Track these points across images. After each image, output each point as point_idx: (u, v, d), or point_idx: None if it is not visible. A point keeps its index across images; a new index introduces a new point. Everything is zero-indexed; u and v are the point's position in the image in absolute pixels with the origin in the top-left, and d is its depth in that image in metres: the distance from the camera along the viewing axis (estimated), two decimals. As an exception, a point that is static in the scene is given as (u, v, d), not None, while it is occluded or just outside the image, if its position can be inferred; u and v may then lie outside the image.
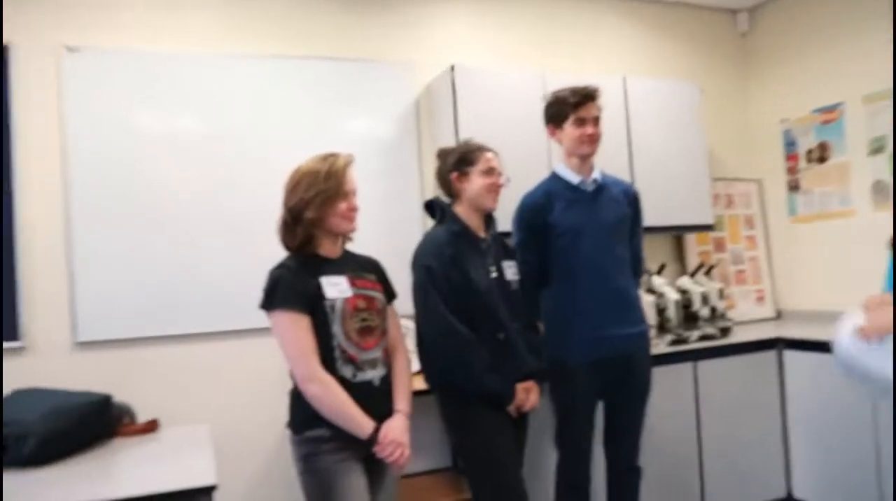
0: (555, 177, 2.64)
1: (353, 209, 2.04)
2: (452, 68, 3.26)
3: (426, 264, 2.28)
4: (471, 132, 2.81)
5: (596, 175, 2.62)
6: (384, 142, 3.41)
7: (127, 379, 2.84)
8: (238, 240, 3.12)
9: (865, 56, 3.75)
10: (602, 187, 2.63)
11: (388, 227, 3.26)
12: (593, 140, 2.53)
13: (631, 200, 2.69)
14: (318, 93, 3.35)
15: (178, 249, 3.04)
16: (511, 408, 2.32)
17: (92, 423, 2.25)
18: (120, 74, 3.00)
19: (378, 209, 3.23)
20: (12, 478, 1.86)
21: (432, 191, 3.28)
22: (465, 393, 2.26)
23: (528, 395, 2.36)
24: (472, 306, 2.27)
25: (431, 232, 2.42)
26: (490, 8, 3.80)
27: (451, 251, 2.29)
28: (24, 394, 2.23)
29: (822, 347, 3.12)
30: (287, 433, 2.02)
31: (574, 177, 2.60)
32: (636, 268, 2.71)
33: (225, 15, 3.26)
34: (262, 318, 2.76)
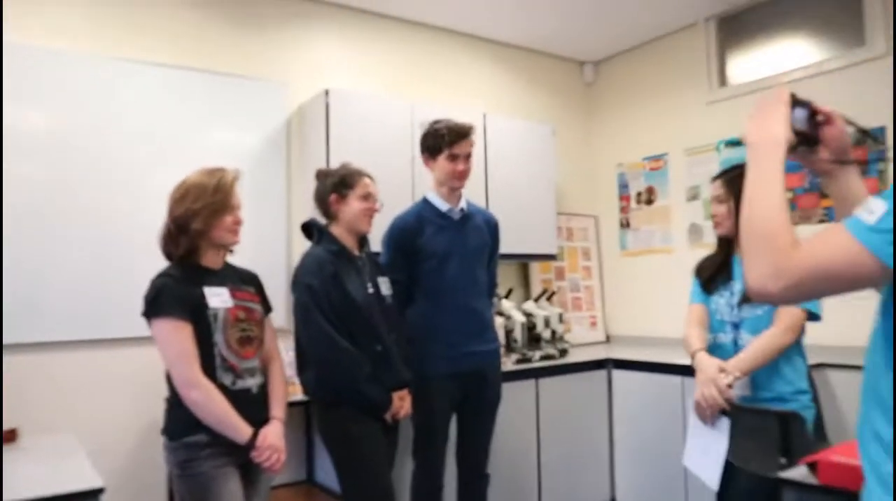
0: (425, 203, 2.81)
1: (238, 222, 2.12)
2: (327, 92, 3.39)
3: (308, 283, 2.36)
4: (341, 155, 2.93)
5: (463, 204, 2.82)
6: (253, 160, 3.46)
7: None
8: (100, 246, 3.08)
9: (687, 114, 4.36)
10: (468, 216, 2.83)
11: (253, 244, 3.23)
12: (463, 176, 2.73)
13: (492, 229, 2.92)
14: (188, 103, 3.37)
15: (34, 251, 2.95)
16: (387, 416, 2.46)
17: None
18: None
19: (244, 226, 3.26)
20: None
21: (299, 210, 3.53)
22: (345, 402, 2.37)
23: (403, 403, 2.51)
24: (351, 320, 2.37)
25: (311, 251, 2.50)
26: (362, 35, 3.99)
27: (331, 269, 2.39)
28: None
29: (645, 367, 3.71)
30: (161, 440, 2.07)
31: (443, 205, 2.78)
32: (490, 291, 2.95)
33: (98, 14, 3.22)
34: (124, 327, 2.80)
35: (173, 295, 1.96)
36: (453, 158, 2.68)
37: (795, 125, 1.12)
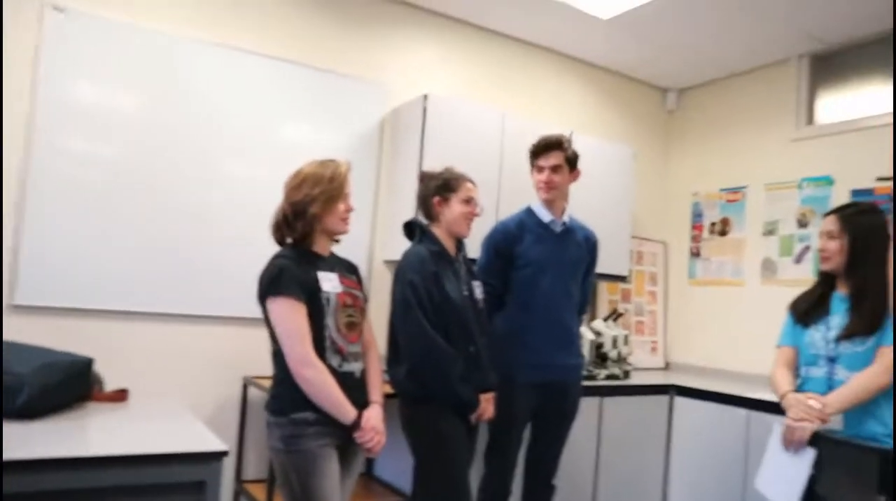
0: (529, 212, 2.88)
1: (349, 211, 2.20)
2: (426, 97, 3.49)
3: (410, 280, 2.42)
4: (434, 159, 3.01)
5: (565, 218, 2.89)
6: (343, 157, 3.48)
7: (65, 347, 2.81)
8: (198, 228, 3.22)
9: (770, 149, 4.39)
10: (569, 230, 2.89)
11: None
12: (548, 186, 2.81)
13: (591, 247, 2.98)
14: (285, 95, 3.46)
15: (136, 227, 3.09)
16: (473, 417, 2.52)
17: (76, 383, 2.29)
18: (99, 42, 3.02)
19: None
20: (8, 429, 1.89)
21: (386, 210, 3.65)
22: (436, 400, 2.43)
23: (488, 405, 2.57)
24: (448, 320, 2.43)
25: (413, 249, 2.57)
26: (459, 45, 4.10)
27: (432, 268, 2.45)
28: (6, 347, 2.21)
29: (706, 396, 3.74)
30: (265, 415, 2.17)
31: (546, 216, 2.86)
32: (581, 307, 3.00)
33: (206, 2, 3.34)
34: (210, 306, 3.05)
35: (293, 276, 2.02)
36: (539, 170, 2.79)
37: None
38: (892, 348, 2.21)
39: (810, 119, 4.31)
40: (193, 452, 1.83)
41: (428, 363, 2.37)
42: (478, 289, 2.61)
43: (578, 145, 3.79)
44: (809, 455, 2.22)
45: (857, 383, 2.23)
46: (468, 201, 2.57)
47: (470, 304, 2.54)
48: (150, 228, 3.11)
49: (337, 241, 2.29)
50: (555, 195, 2.82)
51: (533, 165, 2.81)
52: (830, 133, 4.11)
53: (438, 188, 2.57)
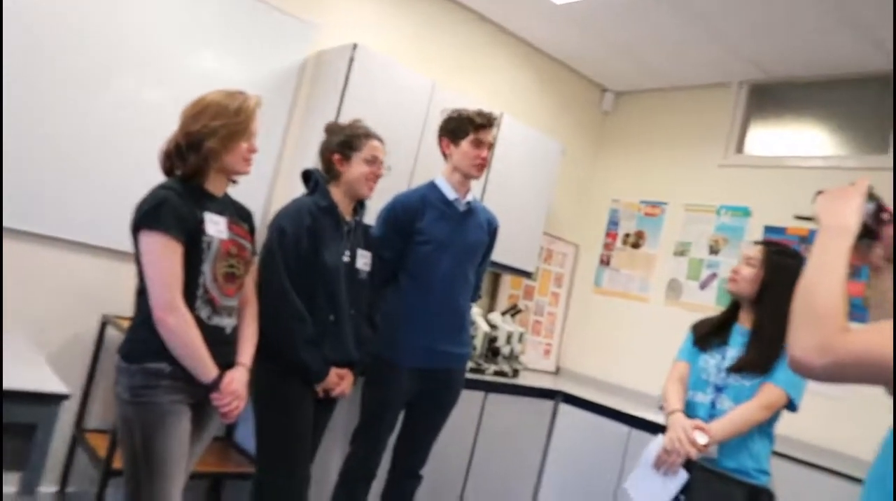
0: (432, 187, 2.81)
1: (253, 151, 2.09)
2: (355, 46, 3.36)
3: (281, 226, 2.35)
4: (352, 113, 2.90)
5: (470, 198, 2.85)
6: (260, 89, 3.27)
7: None
8: (78, 146, 3.01)
9: (696, 170, 4.49)
10: (472, 210, 2.85)
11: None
12: (483, 164, 2.75)
13: (492, 231, 2.96)
14: (198, 17, 3.27)
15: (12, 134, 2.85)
16: (319, 388, 2.44)
17: None
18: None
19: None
20: None
21: (291, 156, 3.52)
22: (279, 360, 2.35)
23: (342, 382, 2.49)
24: (313, 281, 2.36)
25: (299, 198, 2.49)
26: (395, 2, 3.97)
27: (309, 221, 2.36)
28: None
29: (591, 407, 3.81)
30: (115, 359, 2.03)
31: (451, 193, 2.79)
32: (474, 294, 2.97)
33: None
34: (77, 231, 2.87)
35: (174, 211, 1.92)
36: (478, 144, 2.71)
37: (863, 217, 1.23)
38: (773, 386, 2.31)
39: (740, 147, 4.43)
40: (26, 391, 1.69)
41: (275, 319, 2.29)
42: (362, 259, 2.55)
43: (508, 130, 3.91)
44: (681, 477, 2.27)
45: (739, 415, 2.30)
46: (372, 161, 2.51)
47: (346, 272, 2.47)
48: (27, 139, 2.89)
49: (234, 182, 2.18)
50: (482, 174, 2.80)
51: (465, 138, 2.73)
52: (756, 165, 4.24)
53: (340, 145, 2.50)
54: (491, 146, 2.76)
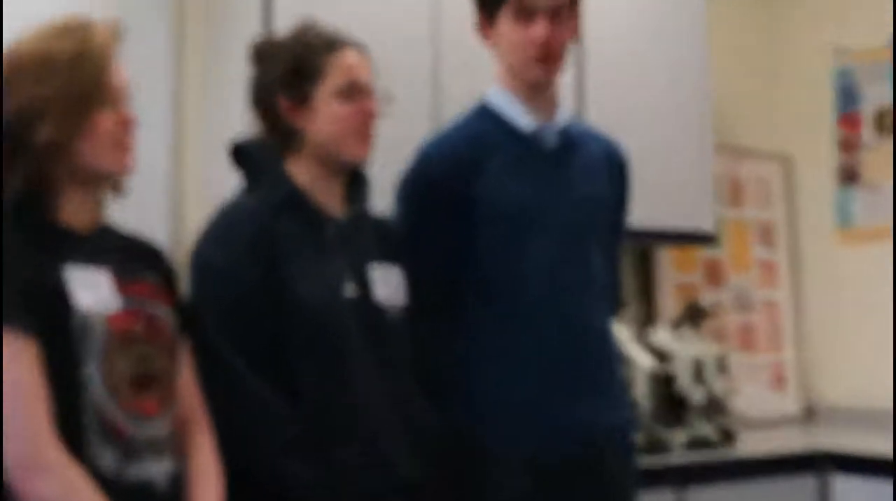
0: (486, 114, 1.99)
1: (126, 123, 1.50)
2: None
3: (210, 261, 1.72)
4: (293, 17, 2.01)
5: (562, 119, 1.99)
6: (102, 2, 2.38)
7: None
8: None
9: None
10: (572, 141, 2.00)
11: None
12: (550, 52, 1.86)
13: (616, 170, 2.09)
14: None
15: None
16: None
17: None
18: None
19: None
20: None
21: (196, 122, 2.71)
22: (249, 483, 1.70)
23: None
24: (295, 343, 1.71)
25: (236, 201, 1.80)
26: None
27: (253, 230, 1.71)
28: None
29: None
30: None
31: (522, 116, 1.94)
32: (614, 297, 2.18)
33: None
34: None
35: (10, 280, 1.42)
36: (527, 15, 1.86)
37: None
38: None
39: None
40: None
41: (230, 415, 1.67)
42: (383, 284, 1.80)
43: None
44: None
45: None
46: (352, 90, 1.72)
47: (356, 315, 1.74)
48: None
49: (115, 192, 1.58)
50: (558, 71, 1.95)
51: (506, 8, 1.86)
52: None
53: (286, 78, 1.74)
54: (557, 11, 1.86)
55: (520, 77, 1.89)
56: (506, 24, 1.82)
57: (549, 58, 1.84)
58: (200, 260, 1.71)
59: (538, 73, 1.85)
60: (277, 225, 1.69)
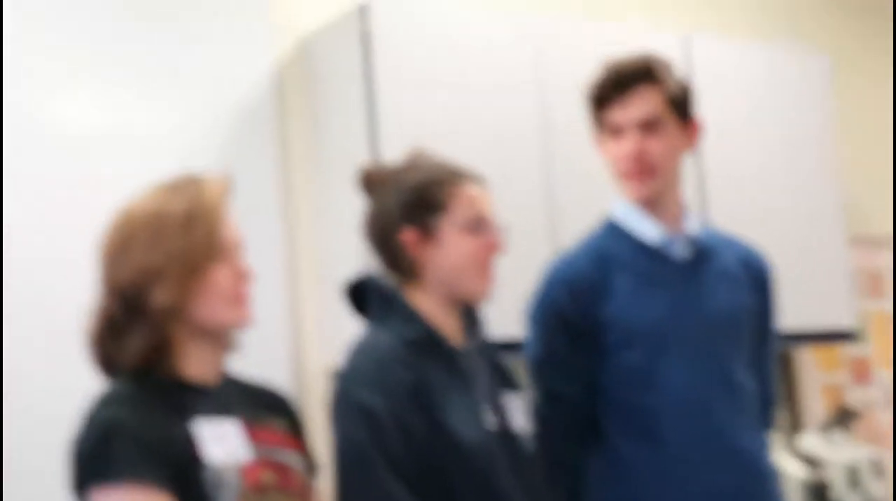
0: (613, 231, 2.03)
1: (242, 276, 1.51)
2: (362, 9, 2.41)
3: (364, 403, 1.65)
4: (398, 131, 2.22)
5: (692, 228, 1.99)
6: (209, 158, 2.41)
7: None
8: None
9: None
10: (705, 250, 2.01)
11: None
12: (642, 166, 1.90)
13: (756, 277, 2.06)
14: (79, 42, 2.34)
15: None
16: None
17: None
18: None
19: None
20: None
21: (310, 251, 2.66)
22: None
23: None
24: (451, 484, 1.68)
25: (370, 340, 1.78)
26: None
27: (410, 378, 1.68)
28: None
29: None
30: None
31: (652, 230, 1.96)
32: (766, 412, 2.09)
33: None
34: None
35: (138, 440, 1.36)
36: (615, 131, 1.92)
37: None
38: None
39: None
40: None
41: None
42: (518, 413, 1.82)
43: (707, 58, 2.83)
44: None
45: None
46: (477, 223, 1.73)
47: (501, 446, 1.73)
48: None
49: (231, 348, 1.56)
50: (659, 183, 1.91)
51: (600, 124, 1.94)
52: None
53: (408, 207, 1.73)
54: (648, 125, 1.90)
55: (624, 192, 1.95)
56: (604, 141, 1.92)
57: (641, 172, 1.86)
58: (358, 406, 1.66)
59: (632, 187, 1.88)
60: (423, 365, 1.71)
